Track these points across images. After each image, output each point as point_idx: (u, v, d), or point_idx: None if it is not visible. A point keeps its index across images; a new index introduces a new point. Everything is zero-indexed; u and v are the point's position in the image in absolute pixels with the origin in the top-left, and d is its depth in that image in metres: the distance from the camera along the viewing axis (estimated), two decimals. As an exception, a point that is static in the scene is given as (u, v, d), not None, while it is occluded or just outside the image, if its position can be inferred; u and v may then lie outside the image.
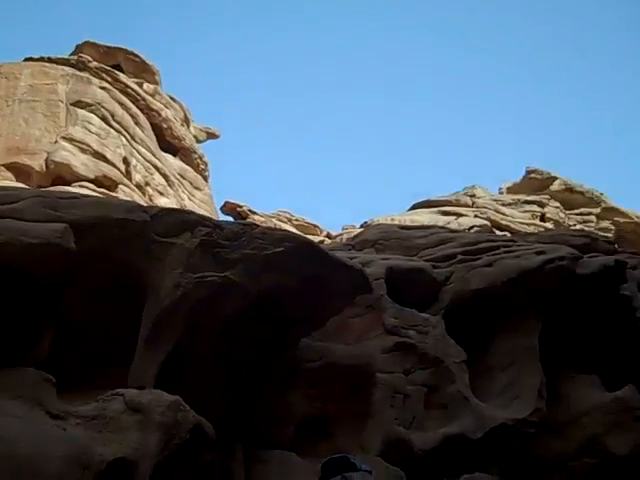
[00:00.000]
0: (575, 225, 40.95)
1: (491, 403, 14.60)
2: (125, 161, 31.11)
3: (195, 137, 39.27)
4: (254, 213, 38.46)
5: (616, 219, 42.38)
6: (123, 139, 31.56)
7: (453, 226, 23.60)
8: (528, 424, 14.46)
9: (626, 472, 14.54)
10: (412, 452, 12.75)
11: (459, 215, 29.86)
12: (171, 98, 38.08)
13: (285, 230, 17.06)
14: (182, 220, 10.04)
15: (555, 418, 15.71)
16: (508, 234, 30.78)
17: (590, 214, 43.82)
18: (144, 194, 31.27)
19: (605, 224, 41.99)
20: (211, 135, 41.48)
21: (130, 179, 31.07)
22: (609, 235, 39.52)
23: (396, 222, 19.02)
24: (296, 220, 42.02)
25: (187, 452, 8.65)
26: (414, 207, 32.21)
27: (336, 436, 12.68)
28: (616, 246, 20.77)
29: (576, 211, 43.72)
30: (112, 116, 31.54)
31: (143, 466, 7.68)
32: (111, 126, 31.31)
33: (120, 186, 29.78)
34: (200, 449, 8.92)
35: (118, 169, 30.47)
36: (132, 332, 9.62)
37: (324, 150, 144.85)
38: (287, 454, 11.74)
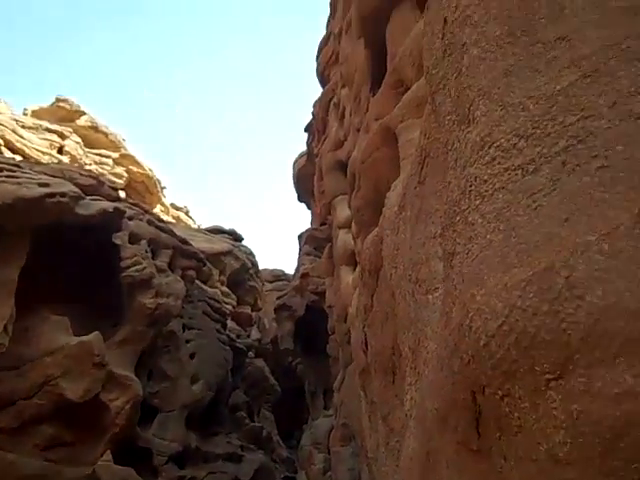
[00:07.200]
0: (91, 164, 42.42)
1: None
2: None
3: None
4: None
5: (131, 167, 45.67)
6: None
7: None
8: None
9: (76, 415, 16.32)
10: None
11: (-25, 129, 28.35)
12: None
13: None
14: None
15: (20, 356, 16.71)
16: (20, 158, 30.49)
17: (109, 157, 45.91)
18: None
19: (120, 170, 44.70)
20: None
21: None
22: (121, 181, 42.24)
23: None
24: None
25: None
26: None
27: None
28: (123, 193, 22.70)
29: (96, 151, 45.28)
30: None
31: None
32: None
33: None
34: None
35: None
36: None
37: None
38: None
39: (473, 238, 3.22)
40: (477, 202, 3.27)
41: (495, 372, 2.79)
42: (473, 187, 3.34)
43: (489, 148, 3.32)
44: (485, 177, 3.26)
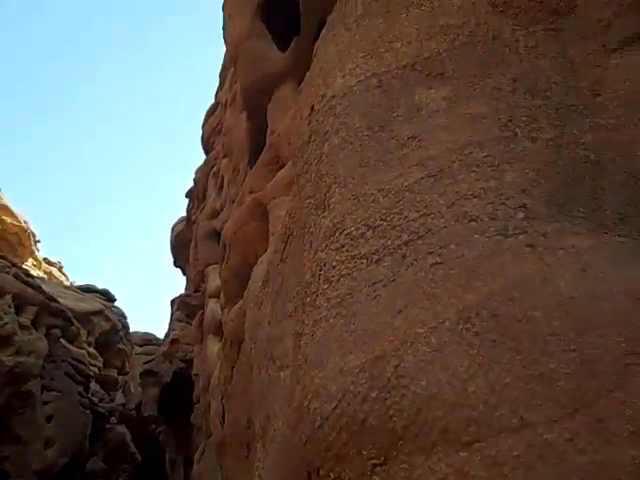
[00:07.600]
0: (-42, 212, 40.32)
1: None
2: None
3: None
4: None
5: (4, 218, 43.62)
6: None
7: None
8: None
9: None
10: None
11: None
12: None
13: None
14: None
15: None
16: None
17: (-20, 206, 43.81)
18: None
19: (-8, 221, 42.71)
20: None
21: None
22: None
23: None
24: None
25: None
26: None
27: None
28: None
29: (-32, 199, 43.15)
30: None
31: None
32: None
33: None
34: None
35: None
36: None
37: None
38: None
39: (318, 321, 3.30)
40: (324, 286, 3.37)
41: (327, 454, 2.83)
42: (322, 271, 3.44)
43: (339, 235, 3.44)
44: (333, 263, 3.37)
